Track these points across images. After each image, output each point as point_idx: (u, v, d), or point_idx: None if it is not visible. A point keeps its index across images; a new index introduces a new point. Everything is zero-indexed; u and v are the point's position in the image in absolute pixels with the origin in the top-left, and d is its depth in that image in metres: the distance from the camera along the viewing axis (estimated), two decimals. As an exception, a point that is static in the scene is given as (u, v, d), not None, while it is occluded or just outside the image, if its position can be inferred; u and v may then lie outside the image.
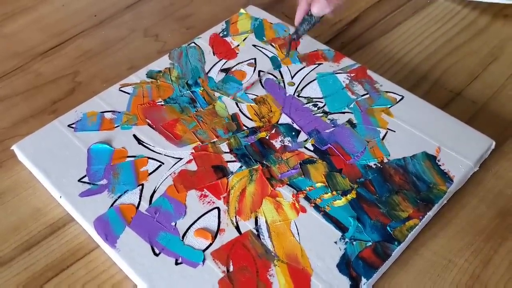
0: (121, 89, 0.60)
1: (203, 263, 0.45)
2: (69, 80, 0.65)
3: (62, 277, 0.47)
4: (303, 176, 0.51)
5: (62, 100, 0.63)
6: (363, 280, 0.44)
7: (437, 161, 0.52)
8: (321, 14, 0.54)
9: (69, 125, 0.56)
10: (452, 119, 0.56)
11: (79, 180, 0.51)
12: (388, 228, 0.47)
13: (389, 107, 0.57)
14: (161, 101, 0.58)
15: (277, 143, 0.54)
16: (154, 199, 0.49)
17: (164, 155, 0.53)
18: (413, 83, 0.63)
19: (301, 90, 0.60)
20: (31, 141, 0.54)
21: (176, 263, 0.45)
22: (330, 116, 0.57)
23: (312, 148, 0.54)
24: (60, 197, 0.50)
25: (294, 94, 0.59)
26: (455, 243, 0.49)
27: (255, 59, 0.62)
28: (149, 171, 0.52)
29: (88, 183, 0.51)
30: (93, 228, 0.47)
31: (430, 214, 0.49)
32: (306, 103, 0.58)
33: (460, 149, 0.53)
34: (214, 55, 0.64)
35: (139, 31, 0.72)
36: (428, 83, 0.64)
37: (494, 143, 0.54)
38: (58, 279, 0.47)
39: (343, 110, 0.57)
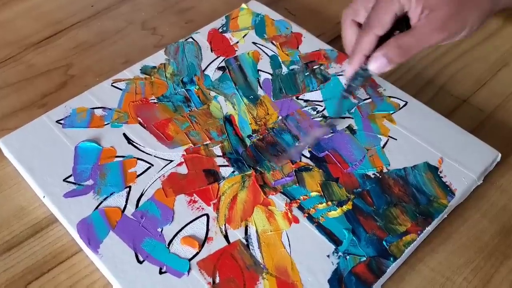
0: (113, 84, 0.57)
1: (188, 273, 0.43)
2: (61, 72, 0.63)
3: (42, 280, 0.45)
4: (297, 184, 0.49)
5: (53, 93, 0.60)
6: (355, 297, 0.42)
7: (439, 173, 0.50)
8: (379, 73, 0.46)
9: (57, 121, 0.53)
10: (456, 128, 0.54)
11: (64, 180, 0.49)
12: (384, 243, 0.45)
13: (392, 113, 0.55)
14: (154, 99, 0.56)
15: (272, 148, 0.52)
16: (141, 203, 0.47)
17: (154, 156, 0.51)
18: (418, 88, 0.61)
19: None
20: (17, 136, 0.52)
21: (160, 272, 0.43)
22: (329, 121, 0.54)
23: (308, 155, 0.51)
24: (44, 197, 0.48)
25: (293, 96, 0.57)
26: (454, 259, 0.47)
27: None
28: (138, 173, 0.49)
29: (73, 183, 0.49)
30: (76, 231, 0.45)
31: (429, 229, 0.46)
32: (305, 107, 0.56)
33: (464, 160, 0.51)
34: (212, 51, 0.61)
35: (137, 23, 0.69)
36: (434, 88, 0.61)
37: (500, 155, 0.52)
38: (38, 282, 0.45)
39: (343, 115, 0.55)
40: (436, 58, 0.64)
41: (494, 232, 0.49)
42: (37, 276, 0.45)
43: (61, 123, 0.53)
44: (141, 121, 0.54)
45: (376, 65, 0.45)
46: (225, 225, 0.46)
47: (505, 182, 0.52)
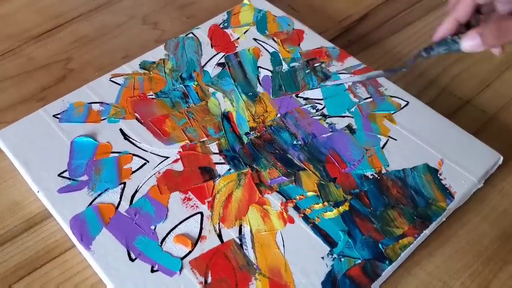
0: (111, 79, 0.57)
1: (180, 272, 0.42)
2: (61, 66, 0.63)
3: (34, 276, 0.45)
4: (294, 183, 0.48)
5: (52, 87, 0.60)
6: (349, 300, 0.41)
7: (438, 175, 0.49)
8: (470, 51, 0.42)
9: (54, 115, 0.53)
10: (458, 129, 0.53)
11: (59, 175, 0.48)
12: (380, 246, 0.44)
13: (393, 113, 0.54)
14: (152, 95, 0.55)
15: (270, 146, 0.51)
16: (135, 200, 0.47)
17: (150, 152, 0.50)
18: (421, 88, 0.60)
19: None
20: (14, 130, 0.52)
21: (152, 270, 0.43)
22: (328, 120, 0.53)
23: (307, 155, 0.50)
24: (38, 191, 0.48)
25: (292, 93, 0.56)
26: (452, 264, 0.46)
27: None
28: (133, 169, 0.49)
29: (68, 178, 0.48)
30: (69, 227, 0.45)
31: (426, 232, 0.45)
32: (305, 105, 0.55)
33: (465, 163, 0.50)
34: (212, 47, 0.61)
35: (138, 18, 0.69)
36: (437, 88, 0.60)
37: (501, 158, 0.51)
38: (30, 278, 0.45)
39: (343, 114, 0.54)
40: (440, 58, 0.63)
41: (494, 236, 0.48)
42: (30, 271, 0.45)
43: (58, 118, 0.53)
44: (138, 116, 0.53)
45: (469, 43, 0.42)
46: (219, 224, 0.45)
47: (507, 186, 0.51)
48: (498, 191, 0.51)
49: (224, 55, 0.60)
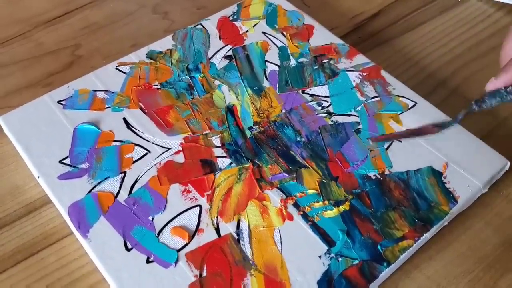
0: (118, 67, 0.57)
1: (176, 264, 0.42)
2: (69, 52, 0.62)
3: (31, 261, 0.45)
4: (295, 180, 0.48)
5: (59, 73, 0.60)
6: (344, 301, 0.41)
7: (442, 178, 0.48)
8: None
9: (58, 101, 0.53)
10: (465, 133, 0.52)
11: (60, 161, 0.48)
12: (378, 247, 0.44)
13: (399, 114, 0.53)
14: (157, 85, 0.55)
15: (273, 142, 0.51)
16: (134, 189, 0.47)
17: (152, 143, 0.50)
18: (430, 88, 0.59)
19: (307, 86, 0.56)
20: (18, 115, 0.52)
21: (148, 261, 0.42)
22: (333, 118, 0.53)
23: (310, 153, 0.50)
24: (38, 177, 0.48)
25: (299, 89, 0.55)
26: (452, 269, 0.45)
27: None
28: (134, 159, 0.49)
29: (69, 165, 0.48)
30: (67, 214, 0.45)
31: (427, 236, 0.45)
32: (310, 101, 0.54)
33: (470, 167, 0.49)
34: (220, 39, 0.60)
35: (148, 7, 0.68)
36: (447, 90, 0.59)
37: (508, 163, 0.50)
38: (26, 263, 0.45)
39: (349, 113, 0.53)
40: (452, 59, 0.62)
41: (497, 243, 0.47)
42: (26, 256, 0.45)
43: (62, 104, 0.53)
44: (142, 106, 0.53)
45: None
46: (217, 217, 0.45)
47: (513, 192, 0.50)
48: (504, 197, 0.50)
49: (232, 47, 0.59)
